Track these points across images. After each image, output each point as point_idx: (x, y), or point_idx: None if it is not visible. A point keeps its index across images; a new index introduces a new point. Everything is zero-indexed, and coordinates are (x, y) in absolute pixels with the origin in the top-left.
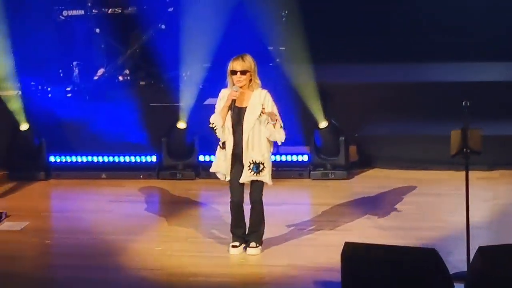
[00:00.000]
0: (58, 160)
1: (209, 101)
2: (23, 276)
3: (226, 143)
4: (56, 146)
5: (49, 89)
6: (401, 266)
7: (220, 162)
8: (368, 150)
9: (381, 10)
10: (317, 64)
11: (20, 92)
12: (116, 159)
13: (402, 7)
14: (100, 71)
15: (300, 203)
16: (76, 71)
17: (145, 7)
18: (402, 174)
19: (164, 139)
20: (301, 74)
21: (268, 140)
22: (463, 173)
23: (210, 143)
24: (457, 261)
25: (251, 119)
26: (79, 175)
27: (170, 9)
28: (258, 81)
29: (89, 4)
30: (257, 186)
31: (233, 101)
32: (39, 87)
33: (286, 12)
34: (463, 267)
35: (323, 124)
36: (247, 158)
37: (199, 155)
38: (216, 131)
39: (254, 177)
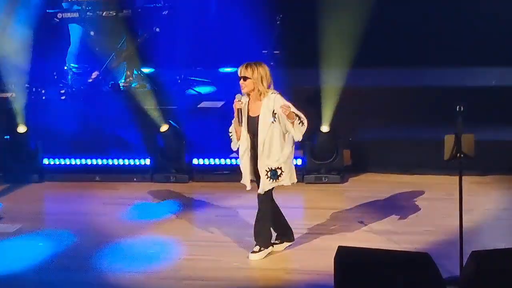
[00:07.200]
0: (52, 163)
1: (203, 104)
2: (16, 279)
3: (240, 150)
4: (50, 149)
5: (43, 91)
6: (394, 270)
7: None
8: (362, 154)
9: (375, 15)
10: (311, 68)
11: (14, 94)
12: (110, 162)
13: (395, 12)
14: (94, 74)
15: (293, 207)
16: (71, 73)
17: (139, 10)
18: (396, 179)
19: (156, 142)
20: (295, 78)
21: (284, 143)
22: (457, 178)
23: (201, 146)
24: (450, 265)
25: (264, 127)
26: (73, 177)
27: (165, 12)
28: (263, 90)
29: (84, 7)
30: None
31: (240, 110)
32: (33, 89)
33: (281, 16)
34: (456, 272)
35: (325, 128)
36: (263, 166)
37: (193, 158)
38: (232, 140)
39: (275, 184)
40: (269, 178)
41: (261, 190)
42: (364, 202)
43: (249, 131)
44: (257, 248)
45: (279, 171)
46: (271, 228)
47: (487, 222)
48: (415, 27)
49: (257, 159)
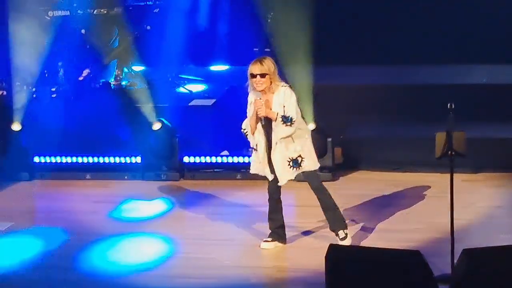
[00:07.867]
0: (43, 161)
1: (194, 102)
2: (6, 277)
3: (258, 146)
4: (40, 147)
5: (34, 89)
6: (386, 268)
7: (256, 165)
8: (353, 152)
9: (367, 12)
10: (303, 65)
11: (5, 93)
12: (101, 160)
13: (386, 9)
14: (85, 72)
15: (284, 205)
16: (61, 71)
17: (130, 8)
18: (387, 176)
19: (147, 140)
20: (287, 76)
21: (298, 132)
22: (448, 175)
23: (192, 144)
24: (441, 263)
25: (279, 122)
26: (63, 175)
27: (156, 10)
28: (278, 83)
29: (75, 5)
30: (309, 176)
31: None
32: (24, 88)
33: (272, 13)
34: (448, 270)
35: (311, 126)
36: (283, 158)
37: (184, 156)
38: (248, 136)
39: (299, 171)
40: (291, 167)
41: (282, 182)
42: (356, 200)
43: (263, 126)
44: (341, 233)
45: (299, 159)
46: (267, 220)
47: (479, 220)
48: (406, 25)
49: (272, 152)
